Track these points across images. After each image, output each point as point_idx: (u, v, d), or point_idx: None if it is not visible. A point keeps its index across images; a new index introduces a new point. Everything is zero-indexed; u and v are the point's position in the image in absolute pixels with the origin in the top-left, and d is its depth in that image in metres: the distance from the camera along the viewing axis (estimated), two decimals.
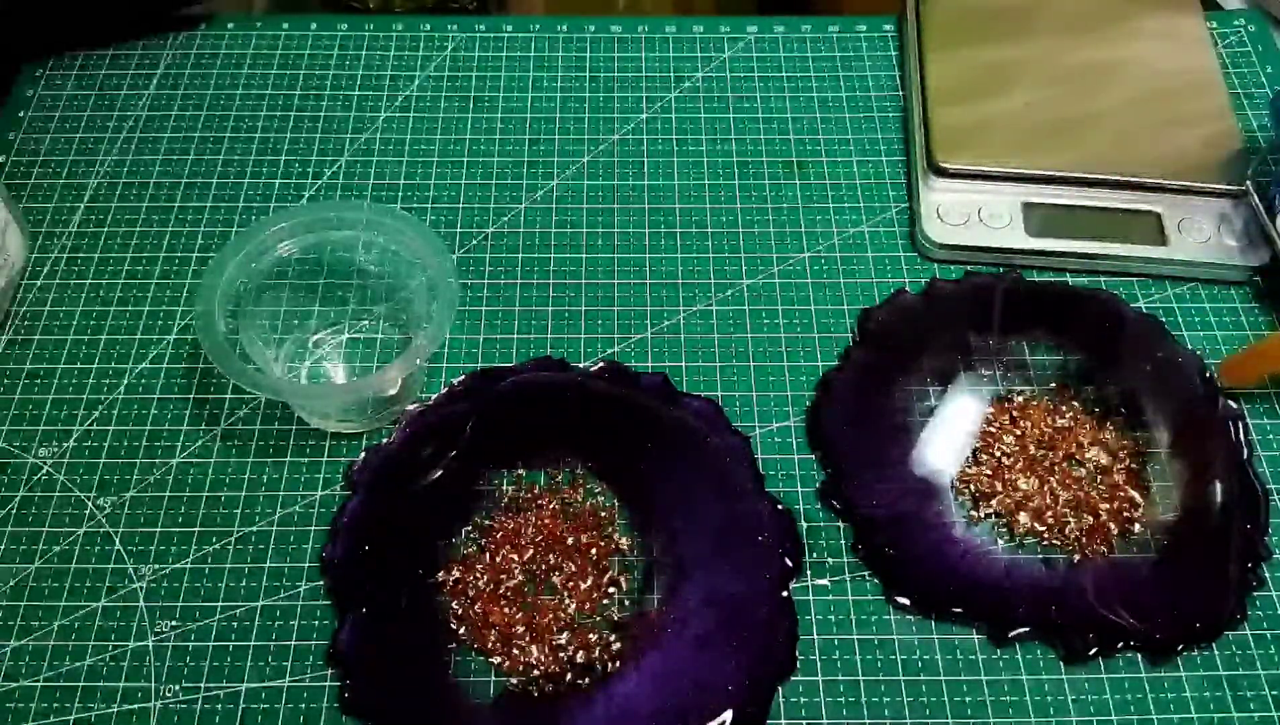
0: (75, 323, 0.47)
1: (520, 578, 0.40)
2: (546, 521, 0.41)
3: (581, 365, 0.45)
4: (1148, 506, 0.42)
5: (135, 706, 0.37)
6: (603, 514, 0.41)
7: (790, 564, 0.40)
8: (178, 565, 0.40)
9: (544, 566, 0.40)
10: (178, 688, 0.38)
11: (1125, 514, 0.41)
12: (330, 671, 0.38)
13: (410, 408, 0.43)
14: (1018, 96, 0.52)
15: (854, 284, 0.48)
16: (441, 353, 0.46)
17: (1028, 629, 0.39)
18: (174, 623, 0.39)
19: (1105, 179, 0.49)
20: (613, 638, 0.39)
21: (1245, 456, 0.43)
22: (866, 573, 0.40)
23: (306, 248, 0.44)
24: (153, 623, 0.39)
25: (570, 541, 0.40)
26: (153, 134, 0.53)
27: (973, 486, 0.42)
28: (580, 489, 0.42)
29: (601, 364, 0.45)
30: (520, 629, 0.38)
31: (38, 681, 0.38)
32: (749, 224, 0.50)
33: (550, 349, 0.46)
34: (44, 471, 0.43)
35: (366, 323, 0.47)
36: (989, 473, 0.42)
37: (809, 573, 0.40)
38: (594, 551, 0.40)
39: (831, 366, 0.45)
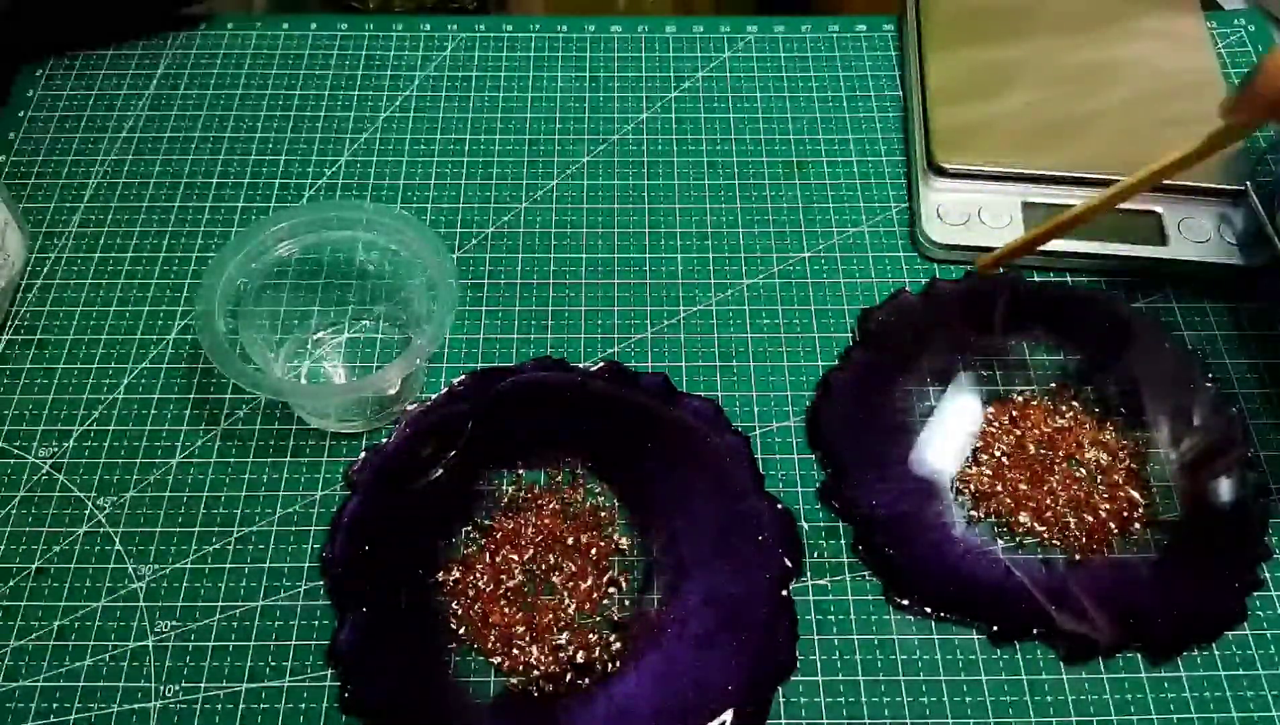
0: (75, 323, 0.47)
1: (520, 578, 0.40)
2: (546, 521, 0.41)
3: (581, 365, 0.45)
4: (1148, 506, 0.42)
5: (135, 706, 0.37)
6: (603, 514, 0.41)
7: (790, 564, 0.40)
8: (178, 565, 0.40)
9: (544, 566, 0.40)
10: (178, 688, 0.38)
11: (1125, 514, 0.41)
12: (330, 671, 0.38)
13: (410, 408, 0.43)
14: (1018, 96, 0.52)
15: (854, 284, 0.48)
16: (441, 353, 0.46)
17: (1028, 629, 0.39)
18: (174, 623, 0.39)
19: (1105, 179, 0.49)
20: (613, 638, 0.39)
21: (1245, 456, 0.43)
22: (866, 573, 0.40)
23: (306, 248, 0.44)
24: (153, 623, 0.39)
25: (570, 541, 0.40)
26: (153, 134, 0.53)
27: (973, 486, 0.42)
28: (580, 489, 0.42)
29: (601, 364, 0.45)
30: (520, 629, 0.38)
31: (38, 681, 0.38)
32: (749, 224, 0.50)
33: (550, 349, 0.46)
34: (44, 471, 0.43)
35: (366, 323, 0.47)
36: (989, 473, 0.42)
37: (809, 573, 0.40)
38: (594, 551, 0.40)
39: (831, 366, 0.45)
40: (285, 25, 0.58)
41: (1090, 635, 0.38)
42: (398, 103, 0.54)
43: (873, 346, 0.46)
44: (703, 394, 0.44)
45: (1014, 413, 0.44)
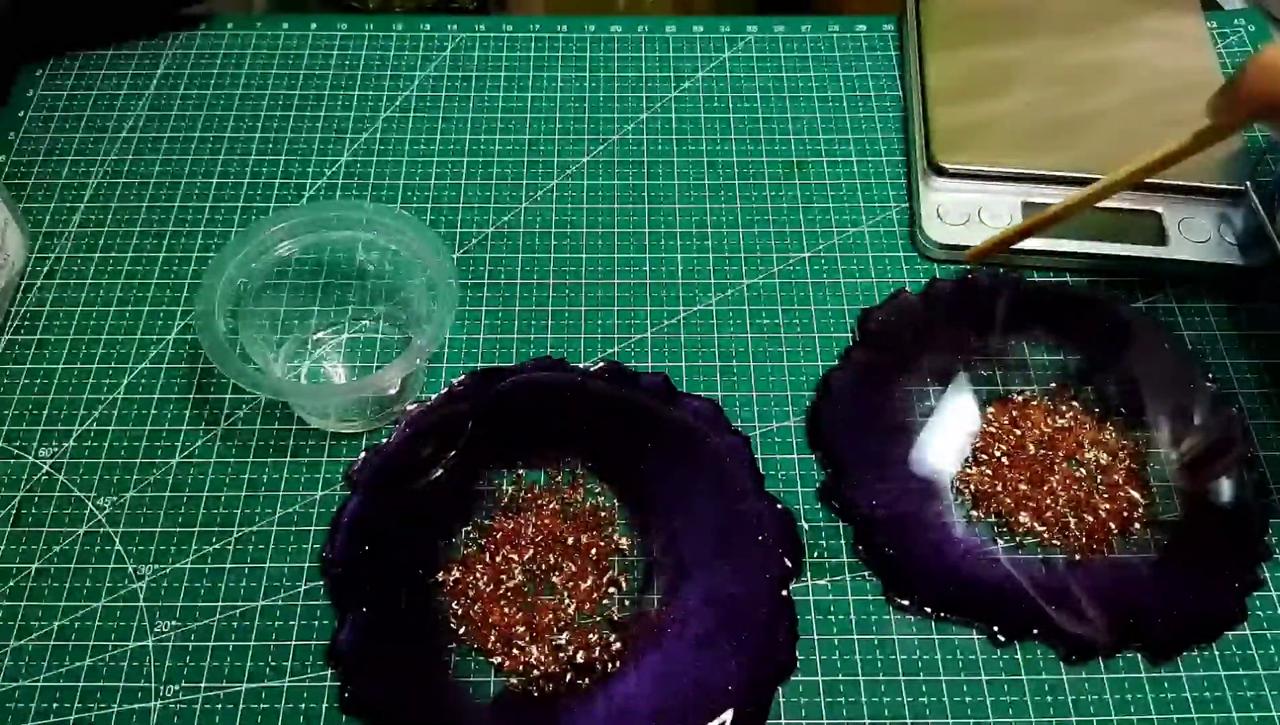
0: (75, 323, 0.47)
1: (520, 578, 0.40)
2: (546, 521, 0.41)
3: (581, 365, 0.45)
4: (1148, 506, 0.42)
5: (135, 706, 0.37)
6: (603, 514, 0.41)
7: (790, 564, 0.40)
8: (178, 565, 0.40)
9: (544, 566, 0.40)
10: (178, 688, 0.38)
11: (1125, 514, 0.41)
12: (330, 671, 0.38)
13: (410, 408, 0.43)
14: (1018, 96, 0.52)
15: (854, 284, 0.48)
16: (441, 353, 0.46)
17: (1028, 629, 0.39)
18: (174, 623, 0.39)
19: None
20: (613, 638, 0.39)
21: (1245, 456, 0.43)
22: (866, 573, 0.40)
23: (306, 248, 0.44)
24: (153, 623, 0.39)
25: (570, 541, 0.40)
26: (153, 134, 0.53)
27: (973, 486, 0.42)
28: (580, 489, 0.42)
29: (601, 364, 0.45)
30: (520, 629, 0.38)
31: (38, 681, 0.38)
32: (749, 224, 0.50)
33: (550, 349, 0.46)
34: (44, 471, 0.43)
35: (366, 323, 0.47)
36: (989, 473, 0.42)
37: (809, 573, 0.40)
38: (594, 551, 0.40)
39: (831, 366, 0.45)
40: (285, 25, 0.58)
41: (1090, 635, 0.38)
42: (398, 103, 0.54)
43: (873, 346, 0.46)
44: (703, 394, 0.44)
45: (1014, 413, 0.44)
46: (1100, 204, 0.48)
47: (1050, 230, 0.48)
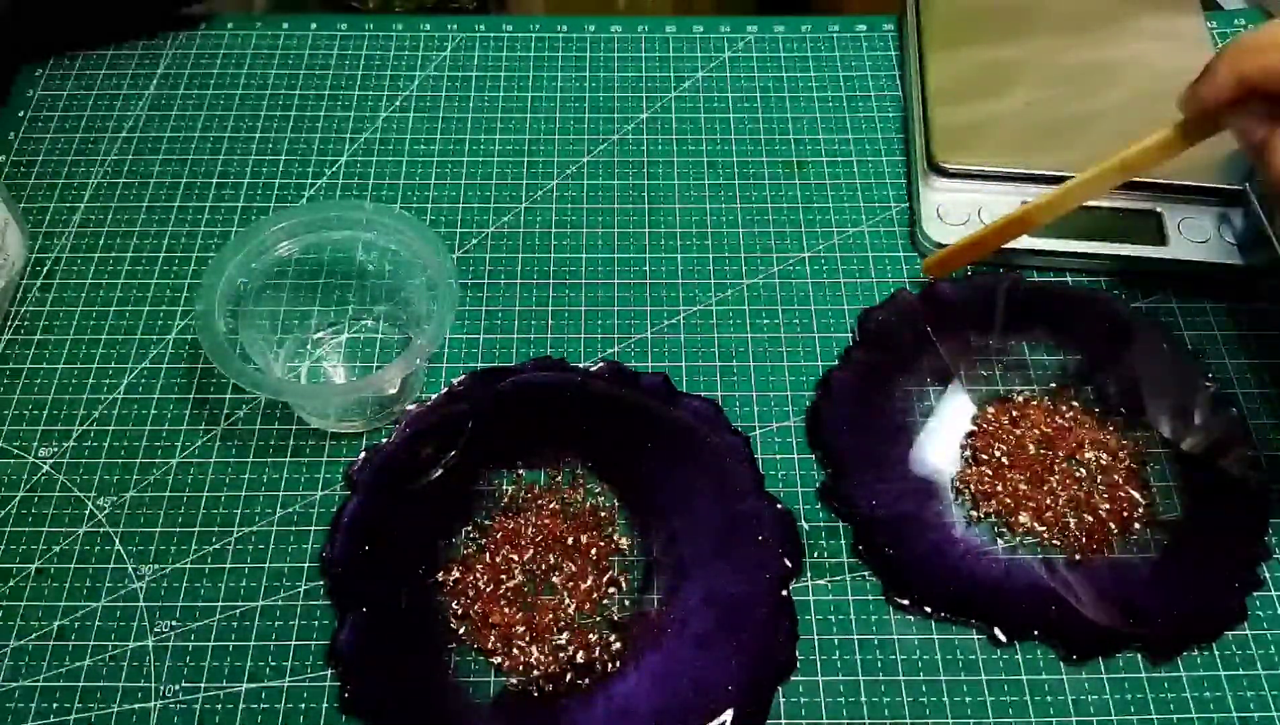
0: (75, 323, 0.47)
1: (520, 578, 0.40)
2: (546, 521, 0.41)
3: (581, 365, 0.45)
4: (1148, 506, 0.42)
5: (135, 706, 0.37)
6: (603, 514, 0.41)
7: (790, 564, 0.40)
8: (178, 565, 0.40)
9: (544, 566, 0.40)
10: (178, 688, 0.38)
11: (1125, 514, 0.41)
12: (330, 671, 0.38)
13: (410, 408, 0.43)
14: (1018, 96, 0.52)
15: (854, 284, 0.48)
16: (441, 353, 0.46)
17: (1028, 629, 0.39)
18: (174, 623, 0.39)
19: None
20: (613, 638, 0.39)
21: (1245, 456, 0.43)
22: (866, 573, 0.40)
23: (306, 248, 0.44)
24: (153, 623, 0.39)
25: (570, 541, 0.40)
26: (153, 134, 0.53)
27: (973, 486, 0.42)
28: (580, 489, 0.42)
29: (601, 364, 0.45)
30: (520, 629, 0.38)
31: (38, 681, 0.38)
32: (749, 224, 0.50)
33: (550, 349, 0.46)
34: (44, 471, 0.43)
35: (366, 323, 0.47)
36: (989, 473, 0.42)
37: (809, 573, 0.40)
38: (594, 551, 0.40)
39: (831, 366, 0.45)
40: (285, 25, 0.58)
41: (1090, 635, 0.38)
42: (398, 103, 0.54)
43: (873, 346, 0.46)
44: (703, 394, 0.44)
45: (1014, 413, 0.44)
46: (1100, 204, 0.49)
47: (1050, 232, 0.48)
